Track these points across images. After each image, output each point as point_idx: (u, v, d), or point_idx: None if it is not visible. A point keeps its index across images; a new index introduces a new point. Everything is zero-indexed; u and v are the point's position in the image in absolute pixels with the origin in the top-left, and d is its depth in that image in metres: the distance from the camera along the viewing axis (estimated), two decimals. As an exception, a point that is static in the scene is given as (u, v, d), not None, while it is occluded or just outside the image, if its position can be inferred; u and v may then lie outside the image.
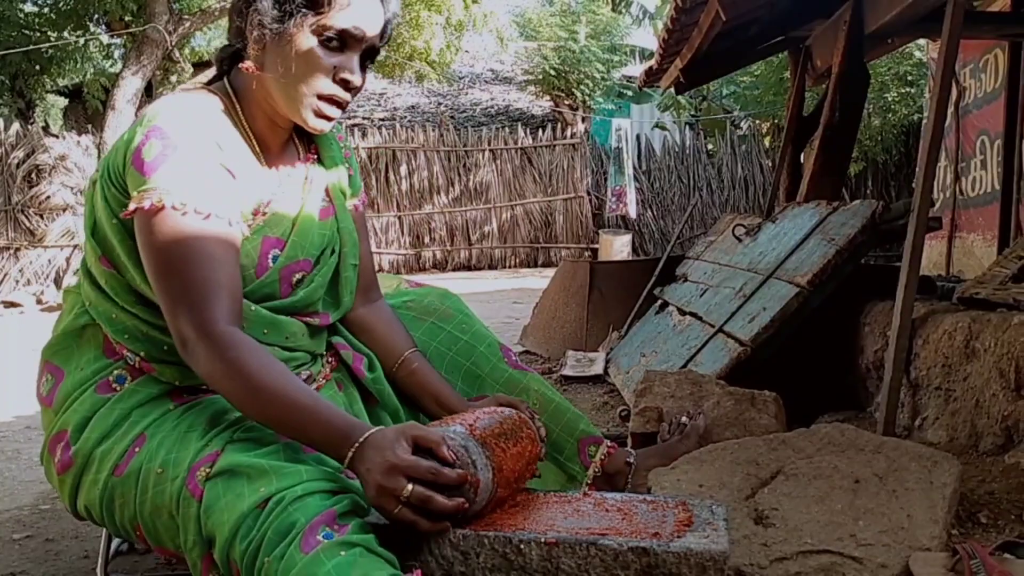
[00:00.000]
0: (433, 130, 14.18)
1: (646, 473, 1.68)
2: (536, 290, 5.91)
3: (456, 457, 1.18)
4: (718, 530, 1.20)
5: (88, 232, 1.46)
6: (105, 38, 12.91)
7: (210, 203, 1.34)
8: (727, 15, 3.29)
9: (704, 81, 7.24)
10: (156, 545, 1.37)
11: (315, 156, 1.63)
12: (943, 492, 1.49)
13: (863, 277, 2.82)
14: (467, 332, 1.79)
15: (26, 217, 10.66)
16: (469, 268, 13.89)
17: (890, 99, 12.56)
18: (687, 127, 16.22)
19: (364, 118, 16.48)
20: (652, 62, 5.03)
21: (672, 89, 5.07)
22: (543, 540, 1.16)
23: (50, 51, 13.07)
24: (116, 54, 14.27)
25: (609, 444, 1.78)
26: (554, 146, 14.12)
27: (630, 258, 11.97)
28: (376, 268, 1.79)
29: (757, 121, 15.55)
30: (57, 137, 11.59)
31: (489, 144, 14.09)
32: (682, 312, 3.45)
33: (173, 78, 14.15)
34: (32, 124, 12.25)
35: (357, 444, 1.21)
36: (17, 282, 10.44)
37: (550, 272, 6.30)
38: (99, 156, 9.84)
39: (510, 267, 13.94)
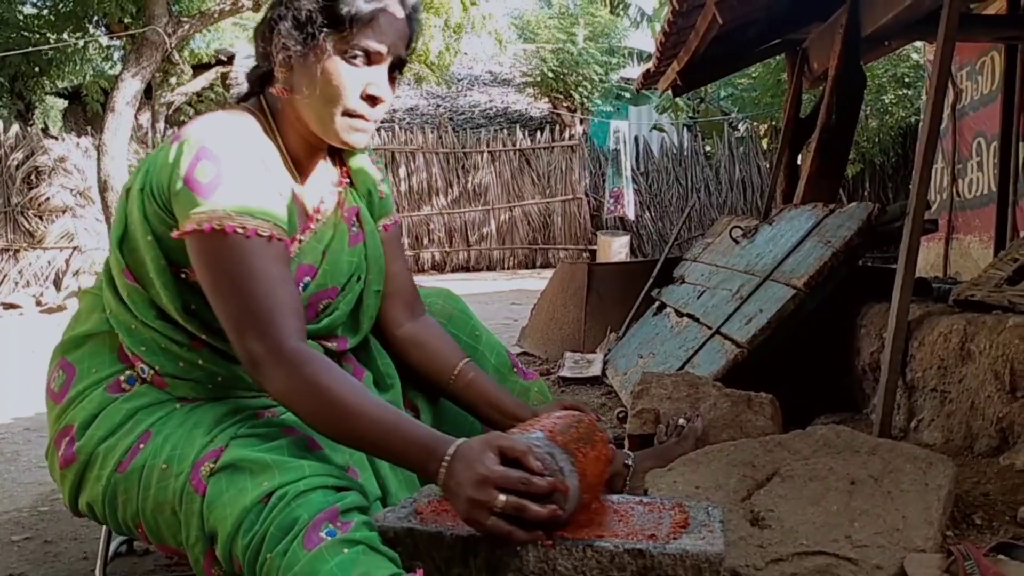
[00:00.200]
0: (432, 132, 14.19)
1: (643, 475, 1.69)
2: (534, 291, 5.91)
3: (544, 465, 1.17)
4: (714, 532, 1.21)
5: (115, 243, 1.45)
6: (104, 40, 12.90)
7: (269, 224, 1.34)
8: (724, 18, 3.30)
9: (702, 83, 7.25)
10: (158, 542, 1.37)
11: (348, 180, 1.62)
12: (938, 494, 1.50)
13: (859, 279, 2.82)
14: (478, 340, 1.80)
15: (25, 219, 10.65)
16: (467, 269, 13.89)
17: (887, 101, 12.58)
18: (685, 129, 16.24)
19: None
20: (650, 64, 5.05)
21: (670, 91, 5.09)
22: (540, 542, 1.17)
23: (49, 53, 13.06)
24: (115, 56, 14.26)
25: (607, 446, 1.78)
26: (552, 148, 14.12)
27: (628, 259, 11.97)
28: None
29: (755, 123, 15.57)
30: (56, 139, 11.58)
31: (488, 146, 14.10)
32: (679, 314, 3.45)
33: (172, 80, 14.16)
34: (31, 126, 12.26)
35: (447, 459, 1.19)
36: (16, 284, 10.44)
37: (548, 273, 6.31)
38: (99, 158, 9.81)
39: (508, 268, 13.94)
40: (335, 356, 1.60)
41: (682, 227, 7.50)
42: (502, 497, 1.13)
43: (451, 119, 15.85)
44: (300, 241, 1.49)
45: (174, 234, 1.34)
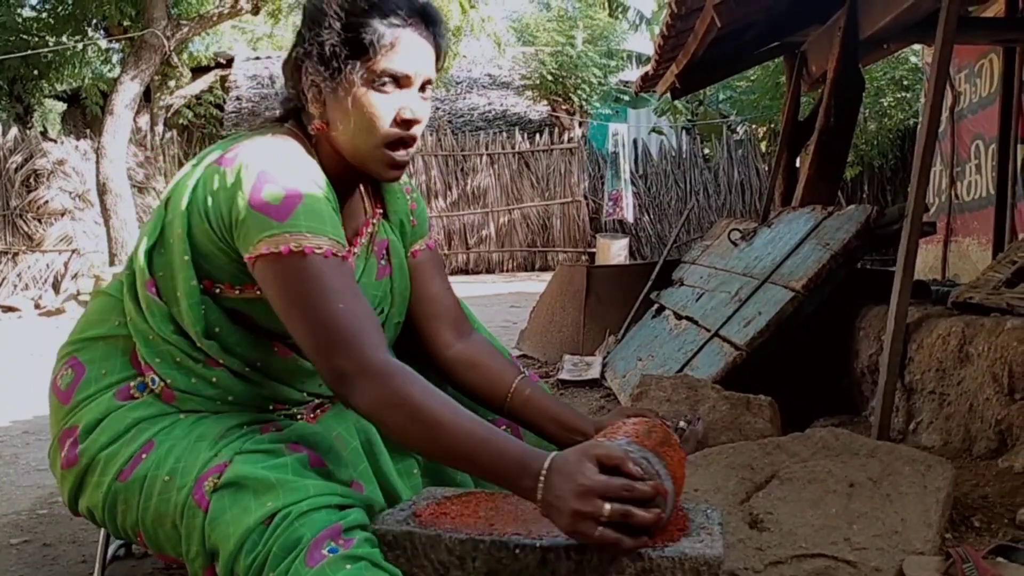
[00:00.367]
0: (431, 135, 14.19)
1: (642, 477, 1.68)
2: (533, 294, 5.92)
3: (643, 470, 1.15)
4: (713, 534, 1.21)
5: (144, 253, 1.43)
6: (103, 43, 12.91)
7: (341, 244, 1.35)
8: (722, 21, 3.31)
9: (700, 86, 7.26)
10: (157, 551, 1.37)
11: (381, 211, 1.62)
12: (937, 496, 1.50)
13: (858, 281, 2.83)
14: None
15: (24, 222, 10.66)
16: (466, 272, 13.89)
17: (886, 104, 12.59)
18: (684, 132, 16.25)
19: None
20: (649, 67, 5.05)
21: (668, 94, 5.09)
22: (538, 545, 1.17)
23: (48, 56, 13.07)
24: (114, 59, 14.28)
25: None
26: (551, 150, 14.13)
27: (627, 262, 11.97)
28: None
29: (753, 126, 15.58)
30: (55, 142, 11.59)
31: (486, 148, 14.10)
32: (678, 316, 3.46)
33: (171, 83, 14.17)
34: (30, 129, 12.28)
35: (543, 474, 1.15)
36: (15, 287, 10.44)
37: (547, 276, 6.32)
38: (98, 161, 9.81)
39: (507, 271, 13.94)
40: None
41: (681, 230, 7.50)
42: (608, 506, 1.10)
43: (450, 122, 15.84)
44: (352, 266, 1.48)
45: (246, 257, 1.33)
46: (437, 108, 16.53)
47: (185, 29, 10.44)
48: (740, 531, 1.47)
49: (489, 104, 16.80)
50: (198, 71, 15.31)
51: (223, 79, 16.50)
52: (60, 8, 12.43)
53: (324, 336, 1.29)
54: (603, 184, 14.01)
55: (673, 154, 14.56)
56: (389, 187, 1.63)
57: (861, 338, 2.65)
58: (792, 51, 4.55)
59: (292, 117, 1.50)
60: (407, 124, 1.42)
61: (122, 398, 1.43)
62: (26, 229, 10.65)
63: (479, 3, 13.11)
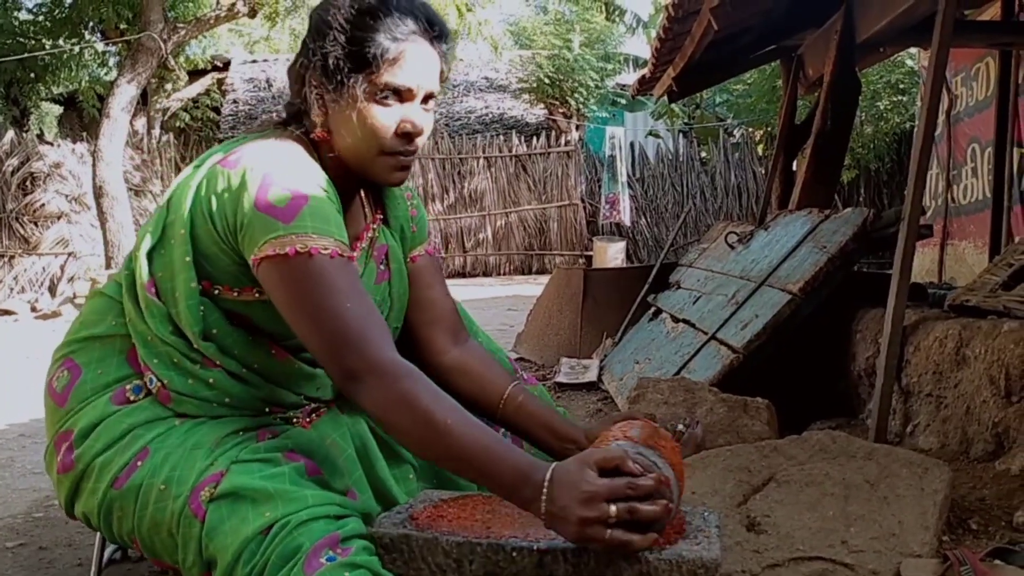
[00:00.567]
0: (428, 138, 14.19)
1: (640, 481, 1.68)
2: (530, 297, 5.92)
3: (642, 466, 1.16)
4: (710, 537, 1.21)
5: (144, 253, 1.43)
6: (100, 46, 12.90)
7: (346, 244, 1.36)
8: (719, 24, 3.31)
9: (697, 89, 7.27)
10: (153, 558, 1.37)
11: (381, 216, 1.62)
12: (934, 499, 1.50)
13: (855, 284, 2.83)
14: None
15: (20, 225, 10.65)
16: (463, 275, 13.89)
17: (882, 107, 12.61)
18: (680, 135, 16.25)
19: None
20: (645, 70, 5.06)
21: (665, 97, 5.10)
22: (535, 548, 1.17)
23: (45, 59, 13.06)
24: (111, 62, 14.25)
25: (604, 451, 1.78)
26: (548, 154, 14.14)
27: (624, 265, 11.98)
28: None
29: (750, 129, 15.59)
30: (52, 145, 11.58)
31: (484, 152, 14.11)
32: (675, 319, 3.46)
33: (168, 86, 14.16)
34: (27, 132, 12.25)
35: (546, 486, 1.15)
36: (11, 290, 10.43)
37: (544, 279, 6.32)
38: (94, 164, 9.80)
39: (504, 274, 13.94)
40: None
41: (678, 233, 7.51)
42: (614, 507, 1.10)
43: (447, 125, 15.84)
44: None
45: (252, 259, 1.33)
46: (434, 111, 16.55)
47: (182, 32, 10.44)
48: (737, 534, 1.47)
49: (486, 107, 16.80)
50: (195, 74, 15.30)
51: (220, 82, 16.50)
52: (57, 11, 12.43)
53: (332, 336, 1.30)
54: (600, 187, 14.01)
55: (670, 157, 14.58)
56: (390, 193, 1.63)
57: (858, 341, 2.66)
58: (788, 54, 4.56)
59: (295, 120, 1.50)
60: (408, 137, 1.44)
61: (118, 402, 1.42)
62: (22, 232, 10.63)
63: (476, 6, 13.13)
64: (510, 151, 14.12)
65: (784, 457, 1.66)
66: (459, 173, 14.02)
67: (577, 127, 15.74)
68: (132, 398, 1.43)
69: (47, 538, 2.14)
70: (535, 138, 14.47)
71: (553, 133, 14.72)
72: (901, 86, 12.29)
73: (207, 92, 15.91)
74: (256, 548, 1.20)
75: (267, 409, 1.50)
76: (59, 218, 10.72)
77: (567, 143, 14.39)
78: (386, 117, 1.40)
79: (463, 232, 14.01)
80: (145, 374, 1.44)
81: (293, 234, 1.31)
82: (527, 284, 11.49)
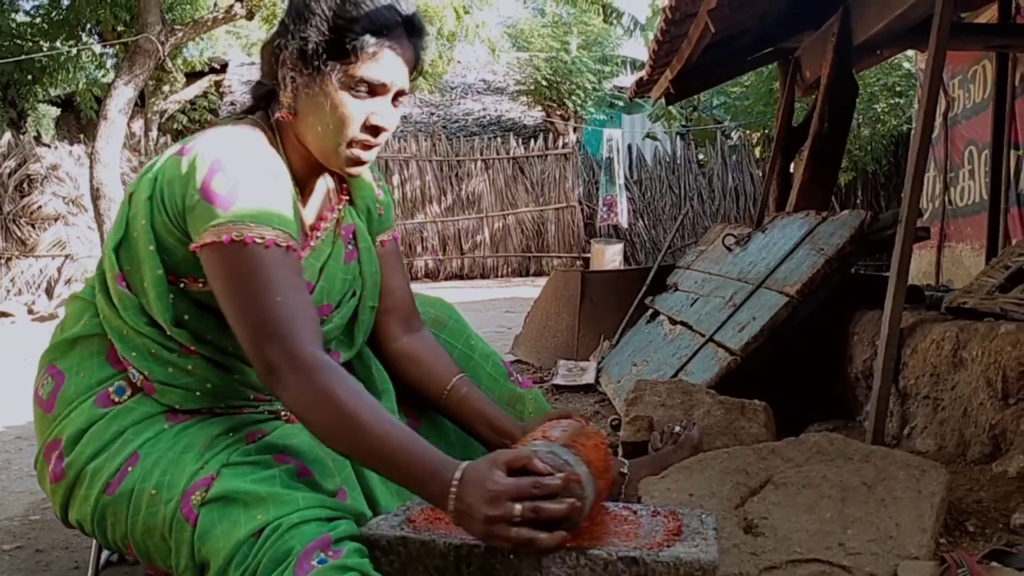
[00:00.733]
0: (425, 140, 14.20)
1: (637, 483, 1.69)
2: (528, 299, 5.91)
3: (551, 465, 1.18)
4: (708, 539, 1.21)
5: (111, 248, 1.44)
6: (97, 48, 12.90)
7: (286, 234, 1.35)
8: (716, 27, 3.31)
9: (694, 92, 7.27)
10: (147, 563, 1.37)
11: (347, 197, 1.63)
12: (931, 501, 1.50)
13: (852, 287, 2.83)
14: (473, 349, 1.80)
15: (17, 227, 10.63)
16: (461, 277, 13.89)
17: (879, 110, 12.63)
18: (678, 137, 16.27)
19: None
20: (643, 73, 5.06)
21: (663, 99, 5.10)
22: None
23: (42, 61, 13.05)
24: (108, 64, 14.25)
25: (601, 454, 1.78)
26: (546, 156, 14.14)
27: (621, 267, 11.98)
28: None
29: (747, 131, 15.61)
30: (49, 147, 11.56)
31: (481, 154, 14.11)
32: (673, 321, 3.46)
33: (165, 88, 14.15)
34: (24, 134, 12.22)
35: (455, 485, 1.18)
36: (8, 292, 10.40)
37: (542, 281, 6.31)
38: (91, 166, 9.78)
39: (502, 276, 13.95)
40: None
41: (675, 235, 7.51)
42: (518, 506, 1.13)
43: (445, 127, 15.85)
44: (300, 258, 1.49)
45: (192, 247, 1.34)
46: (432, 113, 16.55)
47: (179, 34, 10.43)
48: (735, 536, 1.47)
49: (484, 109, 16.82)
50: (192, 76, 15.31)
51: (217, 84, 16.50)
52: (54, 13, 12.43)
53: (256, 327, 1.30)
54: (598, 189, 14.02)
55: (667, 159, 14.59)
56: None
57: (855, 343, 2.66)
58: (786, 57, 4.56)
59: (264, 101, 1.51)
60: (375, 130, 1.45)
61: (103, 405, 1.42)
62: (19, 234, 10.61)
63: (473, 8, 13.14)
64: (508, 153, 14.13)
65: (781, 459, 1.66)
66: (457, 175, 14.02)
67: (575, 129, 15.75)
68: (116, 399, 1.43)
69: (44, 541, 2.14)
70: (533, 140, 14.48)
71: (551, 135, 14.73)
72: (898, 88, 12.32)
73: (205, 94, 15.92)
74: (248, 551, 1.20)
75: (251, 396, 1.50)
76: (56, 220, 10.69)
77: (565, 145, 14.40)
78: (356, 109, 1.42)
79: (461, 234, 14.02)
80: (127, 369, 1.44)
81: (230, 222, 1.31)
82: (525, 286, 11.48)
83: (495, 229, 14.05)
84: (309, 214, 1.54)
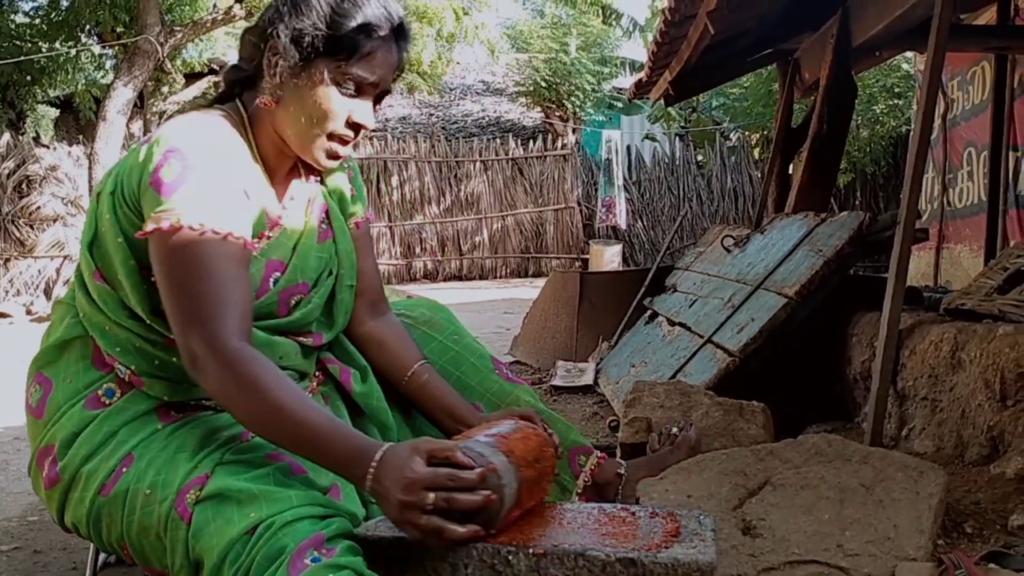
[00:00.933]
0: (424, 141, 14.21)
1: (635, 484, 1.68)
2: (526, 300, 5.91)
3: (472, 459, 1.19)
4: (706, 541, 1.21)
5: (85, 245, 1.46)
6: (96, 49, 12.89)
7: (227, 223, 1.35)
8: (716, 28, 3.31)
9: (693, 93, 7.28)
10: (143, 564, 1.37)
11: (318, 178, 1.64)
12: (929, 502, 1.50)
13: (851, 288, 2.83)
14: (458, 343, 1.80)
15: (16, 228, 10.61)
16: (460, 278, 13.90)
17: (878, 111, 12.63)
18: (677, 138, 16.28)
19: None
20: (642, 74, 5.06)
21: (662, 101, 5.10)
22: (531, 551, 1.17)
23: (41, 62, 13.04)
24: (107, 65, 14.24)
25: (599, 454, 1.78)
26: (545, 157, 14.15)
27: (620, 268, 11.99)
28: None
29: (746, 133, 15.62)
30: (48, 148, 11.55)
31: (480, 155, 14.12)
32: (671, 322, 3.46)
33: (164, 89, 14.14)
34: (23, 135, 12.21)
35: (373, 465, 1.21)
36: (7, 293, 10.39)
37: (541, 282, 6.32)
38: (90, 167, 9.79)
39: (501, 277, 13.95)
40: (312, 351, 1.62)
41: (674, 236, 7.51)
42: (431, 495, 1.15)
43: (444, 128, 15.87)
44: (269, 237, 1.51)
45: (138, 234, 1.35)
46: (431, 114, 16.56)
47: (179, 35, 10.44)
48: (733, 537, 1.47)
49: (483, 110, 16.84)
50: (191, 77, 15.28)
51: (217, 85, 16.49)
52: (53, 14, 12.41)
53: (184, 315, 1.31)
54: (596, 190, 14.04)
55: (666, 161, 14.60)
56: None
57: (854, 344, 2.66)
58: (785, 58, 4.57)
59: (238, 87, 1.52)
60: (356, 127, 1.47)
61: (93, 407, 1.42)
62: (18, 235, 10.60)
63: (473, 10, 13.14)
64: (506, 154, 14.14)
65: (780, 461, 1.66)
66: (455, 176, 14.03)
67: (574, 130, 15.77)
68: (106, 401, 1.43)
69: (42, 542, 2.14)
70: (531, 141, 14.49)
71: (549, 136, 14.74)
72: (897, 90, 12.32)
73: (204, 95, 15.89)
74: (241, 549, 1.20)
75: None
76: (55, 221, 10.68)
77: (563, 146, 14.42)
78: (341, 104, 1.44)
79: (459, 235, 14.02)
80: (113, 367, 1.45)
81: (170, 208, 1.31)
82: (523, 287, 11.49)
83: (494, 230, 14.06)
84: (279, 194, 1.55)
